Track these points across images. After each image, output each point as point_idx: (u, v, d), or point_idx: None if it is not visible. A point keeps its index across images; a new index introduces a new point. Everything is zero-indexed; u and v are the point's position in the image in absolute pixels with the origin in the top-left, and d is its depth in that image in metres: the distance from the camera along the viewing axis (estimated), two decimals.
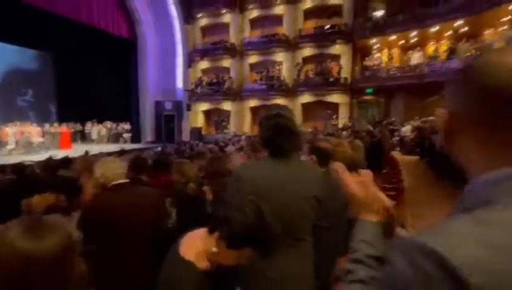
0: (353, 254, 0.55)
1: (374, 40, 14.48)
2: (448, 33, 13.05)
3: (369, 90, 14.57)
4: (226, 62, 16.58)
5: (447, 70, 12.21)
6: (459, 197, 0.43)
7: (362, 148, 2.80)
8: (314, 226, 1.30)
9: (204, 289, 0.88)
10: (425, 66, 13.03)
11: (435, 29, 12.73)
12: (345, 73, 14.64)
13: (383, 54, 15.27)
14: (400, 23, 13.29)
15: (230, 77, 16.39)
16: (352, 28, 14.43)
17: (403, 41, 14.37)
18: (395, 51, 15.17)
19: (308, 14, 15.46)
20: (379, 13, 14.41)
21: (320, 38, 14.93)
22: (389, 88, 13.94)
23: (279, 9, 15.65)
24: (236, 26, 16.14)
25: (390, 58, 15.02)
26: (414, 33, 13.31)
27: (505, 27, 11.75)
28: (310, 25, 15.62)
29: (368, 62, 15.10)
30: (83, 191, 1.95)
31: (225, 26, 16.46)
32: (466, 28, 12.36)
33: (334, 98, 14.82)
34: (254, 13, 16.10)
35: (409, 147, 10.31)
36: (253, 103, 16.04)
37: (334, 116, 15.08)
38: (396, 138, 11.86)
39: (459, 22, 12.04)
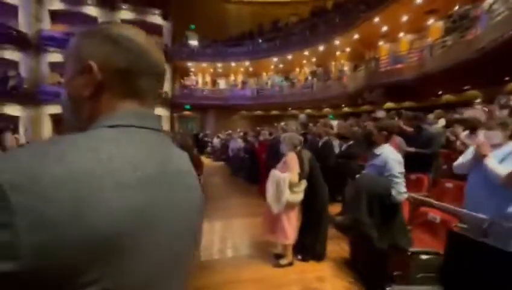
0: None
1: (190, 64, 16.62)
2: (242, 69, 17.49)
3: (187, 106, 16.39)
4: (11, 54, 12.79)
5: (243, 96, 16.33)
6: None
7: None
8: None
9: None
10: (228, 92, 16.67)
11: (233, 64, 16.64)
12: (166, 89, 15.67)
13: (199, 76, 17.85)
14: (209, 54, 16.23)
15: (18, 74, 12.76)
16: (172, 50, 15.82)
17: (212, 70, 17.53)
18: (207, 76, 18.19)
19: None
20: (194, 42, 16.80)
21: None
22: (203, 106, 16.45)
23: (90, 10, 14.29)
24: (29, 12, 13.01)
25: (205, 82, 17.86)
26: (220, 64, 16.68)
27: (271, 72, 17.39)
28: None
29: (186, 82, 17.04)
30: None
31: (12, 8, 12.76)
32: (251, 69, 17.16)
33: (157, 111, 15.32)
34: (56, 5, 13.72)
35: (218, 155, 12.80)
36: (54, 109, 13.09)
37: None
38: (209, 148, 14.26)
39: (247, 63, 16.53)
